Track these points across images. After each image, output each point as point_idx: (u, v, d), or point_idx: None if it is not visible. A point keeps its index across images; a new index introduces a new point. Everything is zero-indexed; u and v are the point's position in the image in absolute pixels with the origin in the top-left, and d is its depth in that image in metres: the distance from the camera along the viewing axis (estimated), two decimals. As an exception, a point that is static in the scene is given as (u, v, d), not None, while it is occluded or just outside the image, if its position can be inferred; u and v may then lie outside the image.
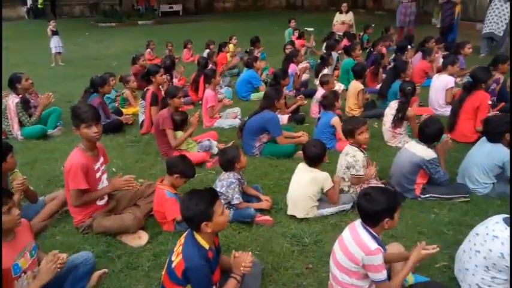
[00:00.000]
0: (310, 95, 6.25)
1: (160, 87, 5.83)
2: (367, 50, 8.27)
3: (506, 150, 3.53)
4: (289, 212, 3.52)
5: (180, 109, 4.90)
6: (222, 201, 3.37)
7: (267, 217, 3.47)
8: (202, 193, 2.37)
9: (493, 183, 3.62)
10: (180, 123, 4.61)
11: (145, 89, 5.60)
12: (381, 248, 2.33)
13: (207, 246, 2.33)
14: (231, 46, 9.41)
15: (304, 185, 3.43)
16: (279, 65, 8.64)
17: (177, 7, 23.00)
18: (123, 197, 3.48)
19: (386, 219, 2.31)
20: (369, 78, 6.73)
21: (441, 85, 5.56)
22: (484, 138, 3.71)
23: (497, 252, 2.33)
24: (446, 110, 5.43)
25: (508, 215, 2.47)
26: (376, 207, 2.31)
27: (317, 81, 6.68)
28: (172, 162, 3.39)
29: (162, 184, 3.35)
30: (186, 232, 2.40)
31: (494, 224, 2.43)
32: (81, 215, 3.21)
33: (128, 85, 6.46)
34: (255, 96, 6.86)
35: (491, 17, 8.34)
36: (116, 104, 6.55)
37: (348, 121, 3.77)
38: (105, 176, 3.31)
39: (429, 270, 2.84)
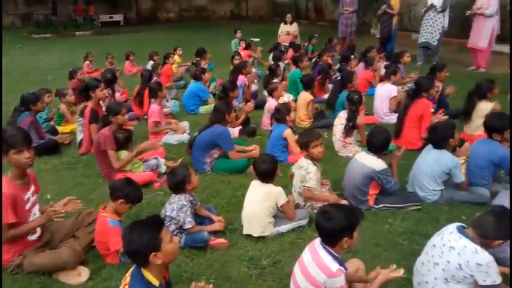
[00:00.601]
0: (260, 106, 6.17)
1: (101, 102, 5.46)
2: (313, 61, 8.39)
3: (452, 157, 3.64)
4: (245, 232, 3.37)
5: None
6: (173, 226, 3.15)
7: (222, 240, 3.29)
8: (144, 222, 2.16)
9: (441, 190, 3.71)
10: (124, 142, 4.30)
11: (83, 105, 5.20)
12: (342, 268, 2.25)
13: (157, 283, 2.11)
14: (176, 57, 9.15)
15: (258, 201, 3.30)
16: (226, 76, 8.51)
17: (118, 17, 22.20)
18: (58, 229, 3.12)
19: (345, 238, 2.24)
20: (316, 88, 6.78)
21: (385, 94, 5.73)
22: (429, 145, 3.81)
23: (455, 263, 2.33)
24: (391, 118, 5.60)
25: (460, 223, 2.50)
26: (334, 226, 2.23)
27: (266, 92, 6.64)
28: (116, 186, 3.10)
29: (105, 211, 3.05)
30: (132, 269, 2.16)
31: (449, 234, 2.44)
32: (9, 253, 2.83)
33: (64, 99, 5.97)
34: (203, 109, 6.66)
35: (425, 27, 8.84)
36: (52, 122, 6.04)
37: (304, 134, 3.71)
38: (36, 207, 2.95)
39: (388, 284, 2.80)
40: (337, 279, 2.21)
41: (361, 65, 7.40)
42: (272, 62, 8.62)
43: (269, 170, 3.29)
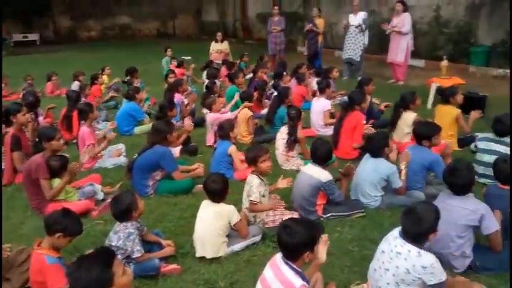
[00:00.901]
0: (199, 124, 6.07)
1: (23, 128, 4.98)
2: (249, 77, 8.52)
3: (388, 164, 3.87)
4: (198, 254, 3.24)
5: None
6: (120, 256, 2.92)
7: (174, 265, 3.13)
8: (93, 256, 1.98)
9: (382, 196, 3.92)
10: (59, 170, 3.93)
11: (3, 132, 4.70)
12: (306, 284, 2.25)
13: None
14: (104, 77, 8.71)
15: (211, 221, 3.21)
16: (159, 95, 8.31)
17: (34, 36, 20.68)
18: (-14, 273, 2.74)
19: (307, 252, 2.24)
20: (253, 104, 6.87)
21: (319, 108, 5.98)
22: (367, 155, 4.02)
23: (403, 268, 2.44)
24: (327, 131, 5.84)
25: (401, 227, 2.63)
26: (296, 240, 2.23)
27: (204, 110, 6.58)
28: (52, 219, 2.79)
29: (40, 248, 2.73)
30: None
31: (395, 239, 2.56)
32: None
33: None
34: (139, 129, 6.39)
35: (348, 44, 9.47)
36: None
37: (251, 149, 3.70)
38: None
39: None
40: (300, 294, 2.20)
41: (294, 81, 7.67)
42: (206, 80, 8.60)
43: (220, 189, 3.23)
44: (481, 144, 4.32)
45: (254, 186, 3.48)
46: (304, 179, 3.73)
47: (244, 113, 5.68)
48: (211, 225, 3.20)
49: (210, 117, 5.60)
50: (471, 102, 5.96)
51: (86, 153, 5.00)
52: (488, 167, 4.02)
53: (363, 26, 9.17)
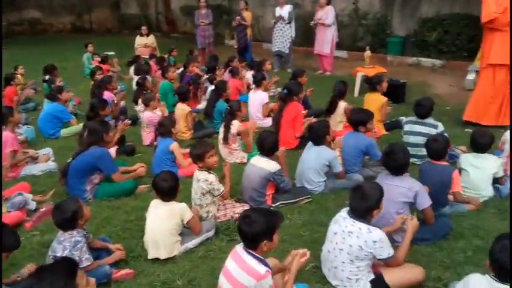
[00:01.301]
0: (133, 121, 5.81)
1: None
2: (180, 72, 8.32)
3: (330, 150, 4.07)
4: (150, 256, 3.14)
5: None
6: (68, 267, 2.72)
7: (126, 270, 3.00)
8: (55, 267, 1.84)
9: (325, 181, 4.11)
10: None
11: None
12: (269, 269, 2.30)
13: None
14: (19, 77, 7.93)
15: (162, 221, 3.13)
16: (83, 93, 7.81)
17: None
18: None
19: (265, 241, 2.28)
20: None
21: (257, 100, 6.06)
22: (310, 143, 4.18)
23: (356, 245, 2.61)
24: (265, 122, 5.96)
25: (348, 208, 2.79)
26: (254, 229, 2.27)
27: (138, 107, 6.32)
28: (-17, 236, 2.52)
29: (-27, 268, 2.45)
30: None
31: (344, 220, 2.72)
32: None
33: None
34: (66, 132, 5.94)
35: (276, 37, 9.68)
36: None
37: (196, 145, 3.64)
38: None
39: (301, 274, 2.96)
40: (265, 280, 2.25)
41: (227, 74, 7.66)
42: (134, 76, 8.24)
43: (171, 187, 3.15)
44: (406, 127, 4.71)
45: (214, 181, 3.46)
46: (253, 171, 3.77)
47: (181, 108, 5.56)
48: (163, 224, 3.12)
49: (146, 116, 5.39)
50: (393, 89, 6.45)
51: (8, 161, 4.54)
52: (414, 147, 4.42)
53: (287, 18, 9.38)
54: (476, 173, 3.71)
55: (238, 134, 4.84)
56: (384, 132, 5.52)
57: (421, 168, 3.63)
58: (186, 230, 3.29)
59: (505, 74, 5.17)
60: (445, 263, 2.99)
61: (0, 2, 13.97)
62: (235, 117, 4.91)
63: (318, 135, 4.09)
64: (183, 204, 3.20)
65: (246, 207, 3.66)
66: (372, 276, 2.70)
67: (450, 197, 3.58)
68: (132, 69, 9.01)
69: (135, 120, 6.05)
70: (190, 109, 5.67)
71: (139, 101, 6.01)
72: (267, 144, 3.79)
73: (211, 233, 3.38)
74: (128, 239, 3.41)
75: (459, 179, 3.52)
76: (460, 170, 3.81)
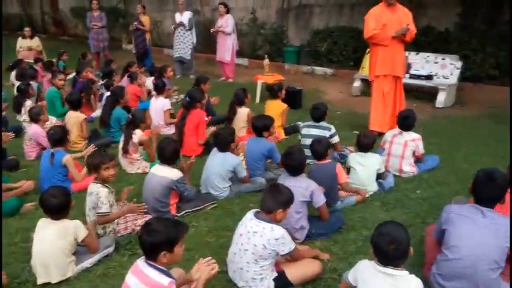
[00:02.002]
0: (15, 133, 5.18)
1: None
2: (72, 77, 7.68)
3: (234, 157, 4.13)
4: (40, 281, 2.84)
5: None
6: None
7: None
8: None
9: (230, 186, 4.15)
10: None
11: None
12: (173, 280, 2.23)
13: None
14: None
15: (53, 241, 2.84)
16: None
17: None
18: None
19: (164, 252, 2.20)
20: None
21: (159, 107, 5.88)
22: (215, 149, 4.19)
23: (260, 244, 2.68)
24: (168, 129, 5.81)
25: (253, 210, 2.87)
26: (153, 239, 2.19)
27: (21, 117, 5.66)
28: None
29: None
30: None
31: (250, 220, 2.78)
32: None
33: None
34: None
35: (177, 43, 9.54)
36: None
37: (94, 155, 3.39)
38: None
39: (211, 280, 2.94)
40: (170, 292, 2.17)
41: (125, 80, 7.31)
42: (15, 82, 7.38)
43: (61, 204, 2.86)
44: (303, 131, 5.00)
45: (103, 197, 3.23)
46: (154, 181, 3.63)
47: (75, 116, 5.12)
48: (54, 245, 2.83)
49: (33, 129, 4.83)
50: (291, 96, 6.82)
51: None
52: (311, 149, 4.72)
53: (186, 24, 9.34)
54: (362, 170, 4.10)
55: (140, 144, 4.64)
56: (284, 136, 5.78)
57: (309, 170, 3.86)
58: (81, 249, 3.03)
59: (389, 84, 5.56)
60: (339, 254, 3.23)
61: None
62: (138, 127, 4.69)
63: (224, 142, 4.12)
64: (77, 222, 2.94)
65: (149, 218, 3.50)
66: (275, 275, 2.79)
67: (341, 193, 3.89)
68: (13, 74, 8.06)
69: (18, 132, 5.41)
70: (85, 116, 5.27)
71: (23, 110, 5.40)
72: (167, 152, 3.69)
73: (111, 249, 3.16)
74: (12, 264, 3.02)
75: (343, 171, 3.85)
76: (349, 168, 4.18)
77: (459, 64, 7.50)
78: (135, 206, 3.43)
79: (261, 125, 4.38)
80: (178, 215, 3.74)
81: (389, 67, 5.49)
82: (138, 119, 4.66)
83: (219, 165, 4.05)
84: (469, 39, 7.94)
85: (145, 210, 3.54)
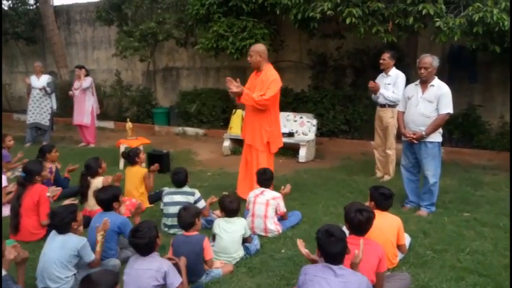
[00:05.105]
0: None
1: None
2: None
3: (78, 238, 3.52)
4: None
5: None
6: None
7: None
8: None
9: (74, 274, 3.50)
10: None
11: None
12: None
13: None
14: None
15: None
16: None
17: None
18: None
19: None
20: None
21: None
22: (53, 232, 3.56)
23: None
24: (5, 210, 4.87)
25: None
26: None
27: None
28: None
29: None
30: None
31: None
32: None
33: None
34: None
35: (33, 108, 8.62)
36: None
37: None
38: None
39: None
40: None
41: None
42: None
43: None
44: (166, 198, 4.67)
45: None
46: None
47: None
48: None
49: None
50: (157, 160, 6.47)
51: None
52: (175, 217, 4.38)
53: (48, 89, 8.58)
54: (227, 237, 3.91)
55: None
56: (149, 205, 5.35)
57: (173, 241, 3.55)
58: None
59: (252, 153, 5.35)
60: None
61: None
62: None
63: (63, 222, 3.51)
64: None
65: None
66: None
67: (205, 266, 3.61)
68: None
69: None
70: None
71: None
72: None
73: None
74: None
75: (210, 246, 3.62)
76: (214, 235, 3.96)
77: (315, 121, 8.24)
78: None
79: (108, 196, 3.92)
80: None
81: (247, 135, 5.46)
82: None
83: (59, 250, 3.38)
84: (321, 99, 8.84)
85: None
